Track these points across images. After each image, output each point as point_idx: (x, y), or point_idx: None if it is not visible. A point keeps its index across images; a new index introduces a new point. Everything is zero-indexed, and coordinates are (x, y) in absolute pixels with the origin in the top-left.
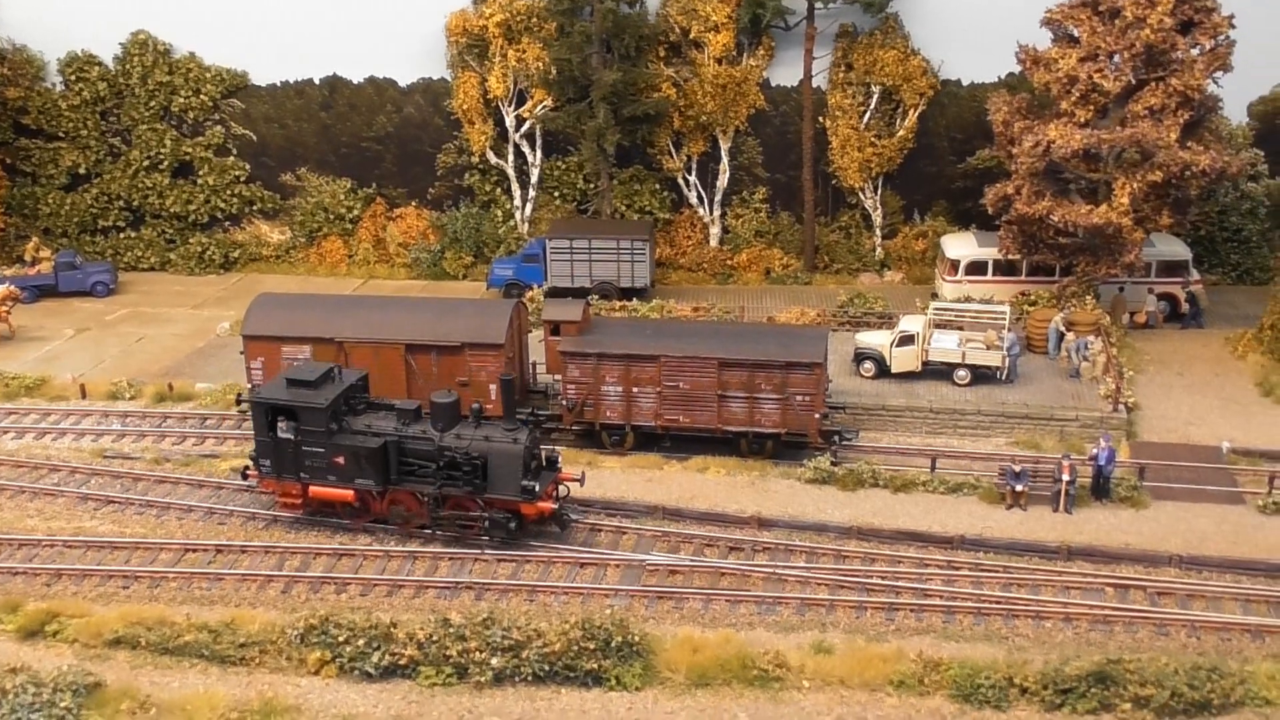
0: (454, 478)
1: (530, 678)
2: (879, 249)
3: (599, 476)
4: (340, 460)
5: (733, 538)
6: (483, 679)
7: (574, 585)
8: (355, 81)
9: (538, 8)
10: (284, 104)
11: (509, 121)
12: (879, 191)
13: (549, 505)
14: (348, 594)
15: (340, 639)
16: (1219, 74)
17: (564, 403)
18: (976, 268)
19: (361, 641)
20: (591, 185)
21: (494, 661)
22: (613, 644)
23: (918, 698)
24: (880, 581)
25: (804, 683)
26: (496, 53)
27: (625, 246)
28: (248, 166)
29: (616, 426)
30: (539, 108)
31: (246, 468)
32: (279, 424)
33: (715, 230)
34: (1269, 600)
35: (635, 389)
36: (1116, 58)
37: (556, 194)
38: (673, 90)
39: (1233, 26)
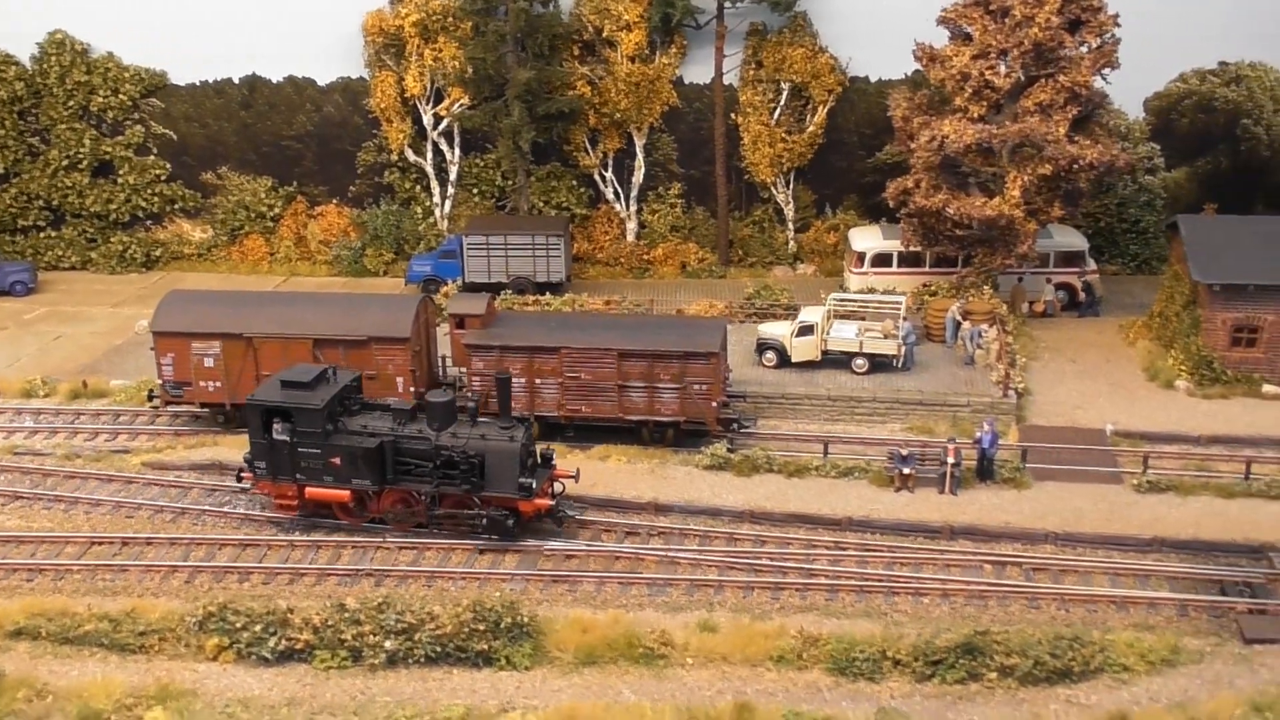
0: (451, 476)
1: (423, 659)
2: (792, 242)
3: None
4: (337, 461)
5: (630, 523)
6: (376, 661)
7: (471, 571)
8: (274, 81)
9: (453, 7)
10: (204, 103)
11: (427, 120)
12: (791, 186)
13: (546, 502)
14: (250, 583)
15: (238, 625)
16: (1106, 71)
17: (469, 395)
18: (881, 260)
19: (258, 627)
20: (509, 182)
21: (388, 644)
22: (503, 625)
23: (796, 671)
24: (769, 563)
25: (688, 660)
26: (413, 52)
27: (540, 242)
28: (168, 166)
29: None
30: (456, 106)
31: (241, 470)
32: (274, 426)
33: (632, 225)
34: (1136, 573)
35: (538, 380)
36: (1008, 55)
37: (475, 191)
38: (587, 88)
39: (1118, 25)
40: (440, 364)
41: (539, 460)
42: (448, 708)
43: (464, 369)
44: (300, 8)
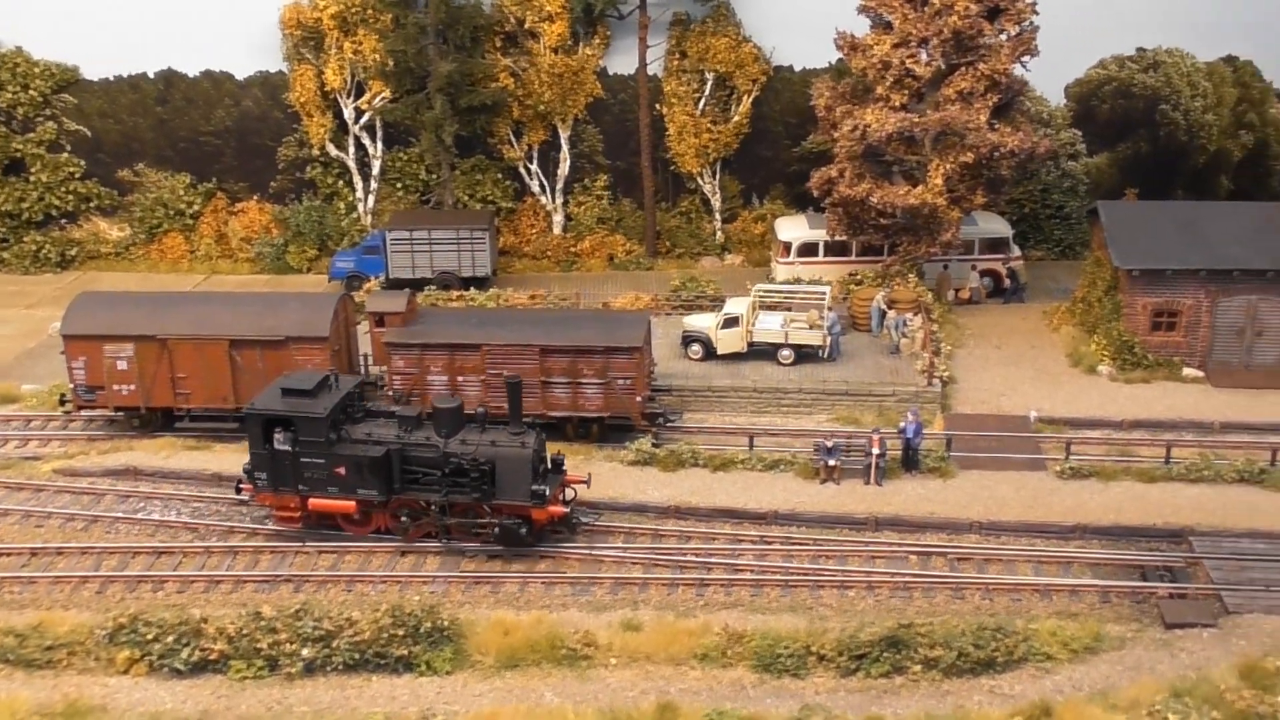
0: (460, 484)
1: (341, 666)
2: (719, 233)
3: None
4: (341, 471)
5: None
6: (293, 670)
7: (392, 574)
8: (191, 75)
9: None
10: (118, 99)
11: (348, 114)
12: (717, 176)
13: (560, 509)
14: (164, 592)
15: (149, 637)
16: (1026, 59)
17: (391, 393)
18: (808, 249)
19: (171, 638)
20: (433, 176)
21: (305, 652)
22: (422, 630)
23: (720, 669)
24: (694, 559)
25: (611, 660)
26: (332, 45)
27: (465, 236)
28: (83, 163)
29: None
30: (377, 100)
31: (240, 481)
32: (275, 435)
33: (558, 218)
34: (1059, 560)
35: (460, 378)
36: (928, 44)
37: (399, 185)
38: (510, 80)
39: (1036, 13)
40: (362, 363)
41: (550, 466)
42: (366, 715)
43: (385, 368)
44: (216, 1)
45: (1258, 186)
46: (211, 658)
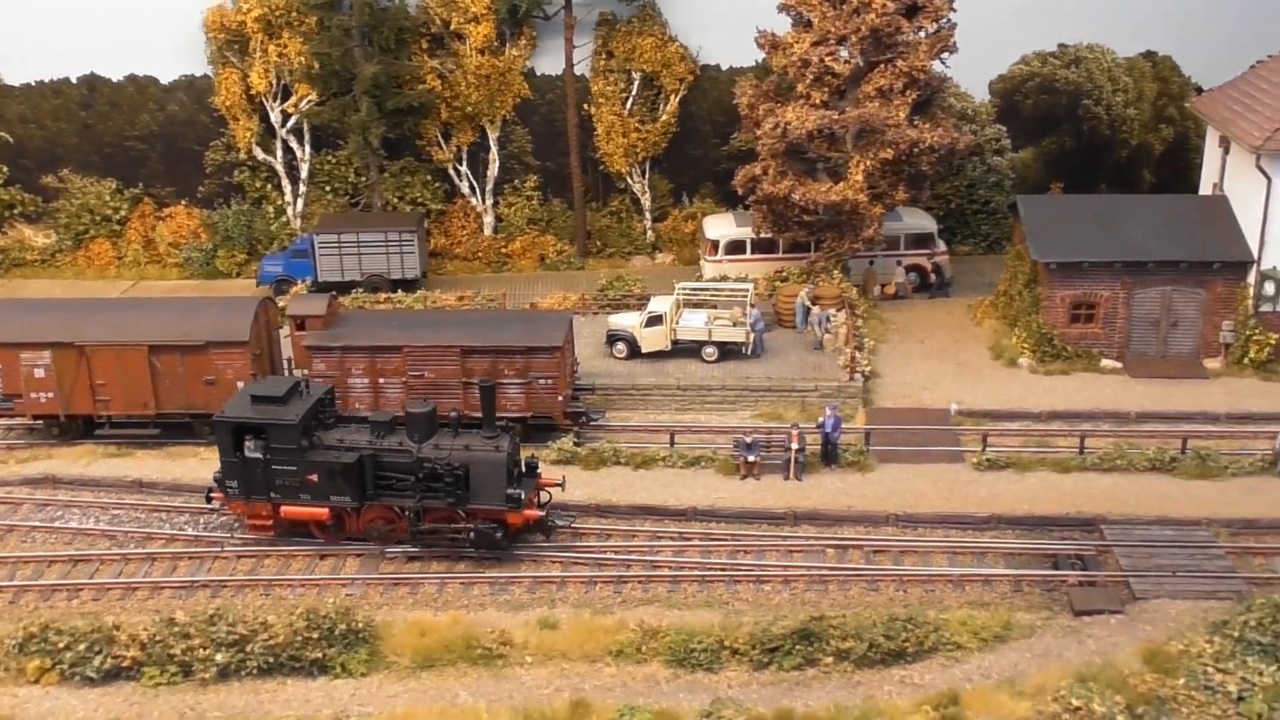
0: (435, 490)
1: (256, 671)
2: (650, 232)
3: None
4: (314, 478)
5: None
6: (207, 676)
7: (310, 578)
8: (115, 80)
9: (296, 2)
10: (40, 104)
11: (274, 117)
12: (647, 176)
13: (535, 513)
14: (79, 600)
15: (60, 645)
16: (945, 55)
17: None
18: (736, 247)
19: (82, 646)
20: (362, 179)
21: (219, 657)
22: (337, 632)
23: (635, 665)
24: (612, 556)
25: (527, 658)
26: (257, 48)
27: (394, 239)
28: (5, 169)
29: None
30: (303, 103)
31: (210, 490)
32: (246, 443)
33: (489, 219)
34: (974, 551)
35: (382, 380)
36: (847, 41)
37: (328, 188)
38: (437, 82)
39: (953, 10)
40: (285, 367)
41: (524, 469)
42: (280, 719)
43: (306, 371)
44: (138, 4)
45: (1179, 179)
46: (124, 665)
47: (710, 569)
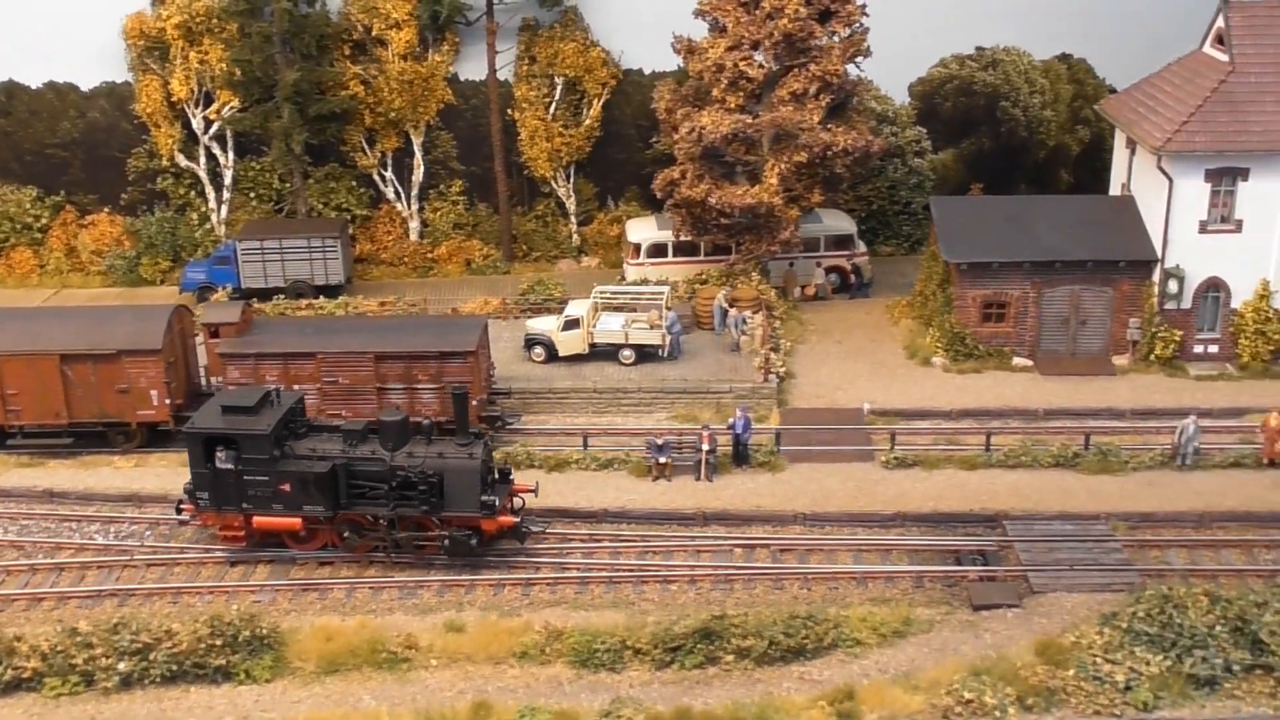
0: (409, 498)
1: (159, 679)
2: (575, 236)
3: None
4: (286, 488)
5: None
6: (109, 685)
7: (220, 585)
8: (34, 87)
9: (216, 9)
10: None
11: (197, 124)
12: (571, 180)
13: (509, 519)
14: None
15: None
16: (859, 60)
17: None
18: (657, 250)
19: None
20: (287, 185)
21: (121, 666)
22: (240, 639)
23: (539, 666)
24: (522, 558)
25: (432, 661)
26: (177, 55)
27: (317, 245)
28: None
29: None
30: (225, 109)
31: (181, 502)
32: (217, 454)
33: (414, 224)
34: (879, 549)
35: (296, 387)
36: (761, 46)
37: (252, 195)
38: (360, 88)
39: (866, 15)
40: (202, 375)
41: (497, 475)
42: None
43: (220, 378)
44: (56, 11)
45: (1096, 179)
46: (25, 676)
47: (618, 570)
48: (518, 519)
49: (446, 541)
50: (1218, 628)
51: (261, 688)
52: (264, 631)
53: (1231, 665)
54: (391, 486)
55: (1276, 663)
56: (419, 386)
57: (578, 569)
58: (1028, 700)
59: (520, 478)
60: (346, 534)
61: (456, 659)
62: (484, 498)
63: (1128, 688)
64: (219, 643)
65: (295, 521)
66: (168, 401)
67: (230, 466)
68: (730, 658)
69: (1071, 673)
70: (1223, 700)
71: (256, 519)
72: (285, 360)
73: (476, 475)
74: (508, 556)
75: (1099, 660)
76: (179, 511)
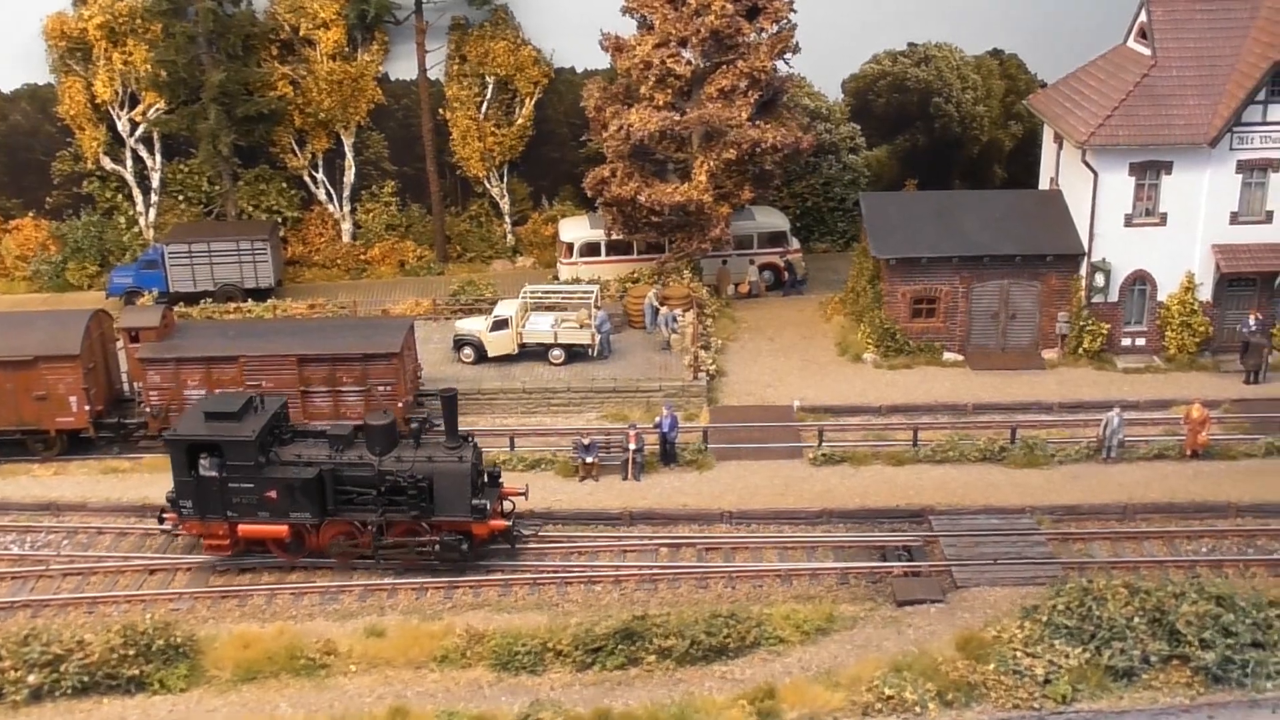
0: (398, 503)
1: (71, 691)
2: (510, 236)
3: None
4: (273, 494)
5: None
6: (19, 698)
7: (137, 593)
8: None
9: (140, 9)
10: None
11: (122, 126)
12: (505, 179)
13: (501, 523)
14: None
15: None
16: (787, 56)
17: (148, 409)
18: (590, 249)
19: None
20: (216, 187)
21: (31, 678)
22: (155, 648)
23: (459, 670)
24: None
25: (351, 667)
26: (100, 56)
27: (246, 247)
28: None
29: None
30: (151, 111)
31: (163, 510)
32: (201, 461)
33: (347, 226)
34: (804, 546)
35: (219, 391)
36: (688, 43)
37: (181, 198)
38: (289, 88)
39: (794, 11)
40: (125, 381)
41: (486, 479)
42: None
43: (140, 384)
44: None
45: (1029, 174)
46: None
47: (542, 571)
48: (509, 523)
49: (437, 547)
50: (1136, 619)
51: (176, 697)
52: (178, 640)
53: (1149, 656)
54: (380, 491)
55: (1193, 653)
56: (343, 389)
57: (501, 571)
58: (948, 695)
59: None
60: (333, 541)
61: (376, 664)
62: (475, 501)
63: (1047, 681)
64: (132, 652)
65: (282, 529)
66: (87, 408)
67: (214, 474)
68: (652, 658)
69: (992, 667)
70: (1140, 691)
71: (242, 527)
72: (207, 364)
73: (466, 479)
74: (499, 561)
75: (1019, 654)
76: (161, 521)
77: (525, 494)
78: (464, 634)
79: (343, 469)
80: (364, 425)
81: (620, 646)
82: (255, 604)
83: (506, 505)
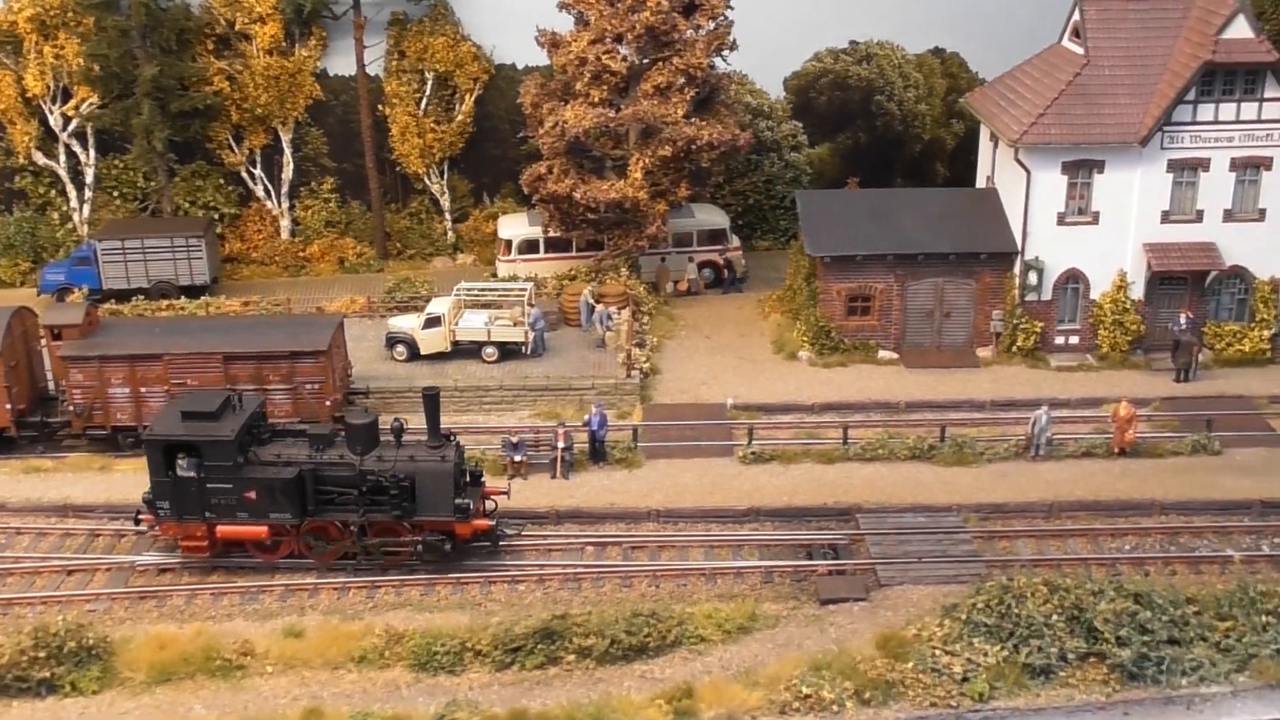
0: (379, 503)
1: None
2: (451, 233)
3: (110, 481)
4: (252, 495)
5: None
6: None
7: (54, 594)
8: None
9: (71, 2)
10: None
11: (54, 121)
12: (445, 176)
13: (485, 523)
14: None
15: None
16: (725, 53)
17: (71, 408)
18: (529, 246)
19: None
20: (151, 183)
21: None
22: (66, 650)
23: (377, 671)
24: (365, 562)
25: (268, 667)
26: (31, 49)
27: (180, 244)
28: None
29: (130, 428)
30: (84, 105)
31: (139, 512)
32: (178, 462)
33: (285, 223)
34: (730, 544)
35: (144, 389)
36: (624, 39)
37: (116, 194)
38: (225, 83)
39: (730, 8)
40: (49, 379)
41: (469, 478)
42: None
43: (65, 382)
44: None
45: (970, 172)
46: None
47: (465, 570)
48: (493, 523)
49: (419, 547)
50: (1054, 617)
51: (88, 700)
52: (91, 642)
53: (1066, 654)
54: (361, 491)
55: (1109, 650)
56: (271, 387)
57: (425, 570)
58: (865, 694)
59: None
60: (313, 542)
61: (294, 665)
62: (458, 501)
63: (965, 679)
64: (43, 654)
65: (261, 530)
66: (8, 406)
67: (192, 474)
68: (571, 657)
69: (910, 665)
70: (1057, 689)
71: (220, 528)
72: (131, 362)
73: (449, 478)
74: (482, 562)
75: (938, 652)
76: (137, 522)
77: (508, 494)
78: (383, 634)
79: (323, 469)
80: (345, 424)
81: (540, 646)
82: (174, 604)
83: (489, 505)
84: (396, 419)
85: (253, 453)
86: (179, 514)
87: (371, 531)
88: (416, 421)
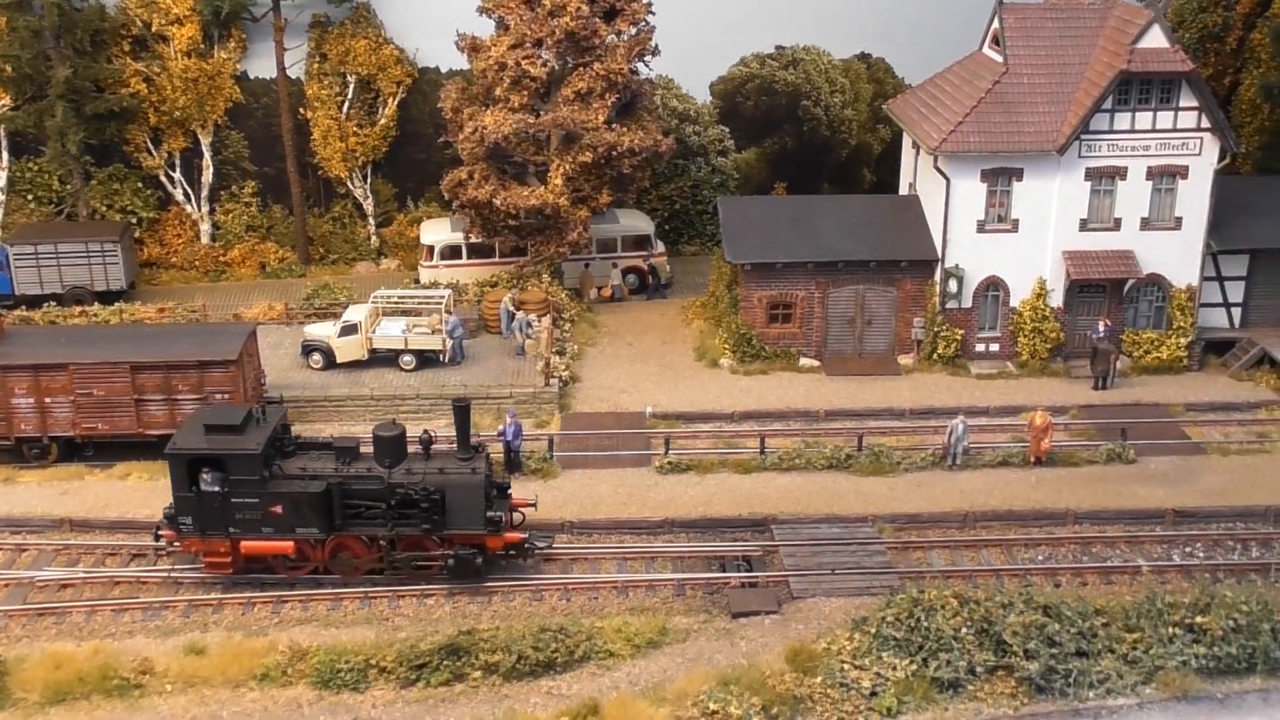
0: (409, 517)
1: None
2: (374, 237)
3: (13, 493)
4: (278, 509)
5: (138, 544)
6: None
7: None
8: None
9: None
10: None
11: None
12: (369, 180)
13: (517, 535)
14: None
15: None
16: (647, 58)
17: None
18: (451, 252)
19: None
20: (67, 186)
21: None
22: None
23: (279, 689)
24: (272, 577)
25: (167, 686)
26: None
27: (95, 249)
28: None
29: (34, 439)
30: None
31: (159, 528)
32: (203, 476)
33: (205, 227)
34: (644, 556)
35: (49, 399)
36: (544, 45)
37: (30, 197)
38: (142, 85)
39: (651, 13)
40: None
41: (496, 490)
42: None
43: None
44: None
45: (897, 178)
46: None
47: (373, 585)
48: (525, 535)
49: (450, 561)
50: (964, 630)
51: None
52: None
53: (975, 667)
54: (390, 505)
55: (1017, 663)
56: (180, 398)
57: (331, 585)
58: (773, 709)
59: None
60: (341, 557)
61: (194, 683)
62: (490, 514)
63: (873, 693)
64: None
65: (287, 545)
66: None
67: (216, 489)
68: (478, 674)
69: (819, 680)
70: (965, 703)
71: (245, 544)
72: (35, 373)
73: (480, 491)
74: (511, 574)
75: (847, 666)
76: (158, 539)
77: (535, 505)
78: (287, 650)
79: (351, 482)
80: (374, 437)
81: (446, 662)
82: (74, 621)
83: (517, 517)
84: (425, 431)
85: (278, 466)
86: (202, 530)
87: (400, 546)
88: (331, 431)
